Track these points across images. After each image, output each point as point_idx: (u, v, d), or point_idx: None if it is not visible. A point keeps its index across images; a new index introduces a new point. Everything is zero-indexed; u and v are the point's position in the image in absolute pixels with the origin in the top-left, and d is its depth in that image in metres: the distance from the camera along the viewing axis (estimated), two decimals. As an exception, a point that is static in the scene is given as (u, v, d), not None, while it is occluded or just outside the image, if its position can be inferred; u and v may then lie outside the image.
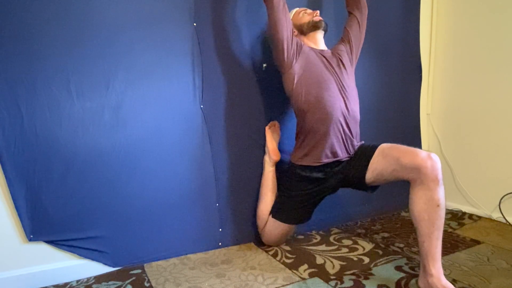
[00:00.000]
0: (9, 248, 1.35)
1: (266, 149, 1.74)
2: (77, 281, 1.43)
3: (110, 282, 1.39)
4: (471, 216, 2.05)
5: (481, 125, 2.04)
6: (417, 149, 1.30)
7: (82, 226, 1.43)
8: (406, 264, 1.48)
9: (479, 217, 2.02)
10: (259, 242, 1.74)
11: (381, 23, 2.07)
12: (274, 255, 1.60)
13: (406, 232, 1.84)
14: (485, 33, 1.99)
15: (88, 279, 1.44)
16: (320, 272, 1.42)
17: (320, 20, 1.61)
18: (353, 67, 1.68)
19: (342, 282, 1.34)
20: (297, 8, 1.69)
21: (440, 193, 1.24)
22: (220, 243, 1.70)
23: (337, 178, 1.56)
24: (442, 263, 1.25)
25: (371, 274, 1.40)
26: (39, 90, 1.33)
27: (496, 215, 1.97)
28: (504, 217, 1.91)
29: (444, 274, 1.24)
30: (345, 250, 1.64)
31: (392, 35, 2.13)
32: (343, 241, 1.75)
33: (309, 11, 1.65)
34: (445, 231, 1.76)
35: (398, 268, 1.44)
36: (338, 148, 1.52)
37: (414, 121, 2.28)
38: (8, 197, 1.32)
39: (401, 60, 2.18)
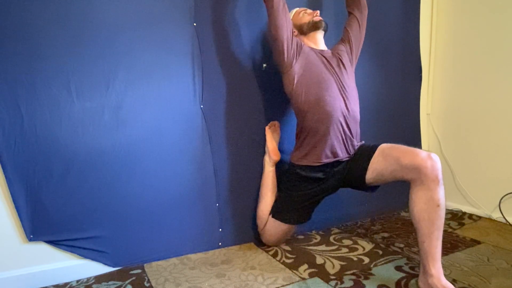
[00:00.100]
0: (9, 248, 1.35)
1: (266, 149, 1.74)
2: (77, 281, 1.43)
3: (110, 282, 1.39)
4: (471, 216, 2.05)
5: (481, 125, 2.04)
6: (417, 149, 1.30)
7: (82, 226, 1.43)
8: (406, 264, 1.48)
9: (479, 217, 2.02)
10: (259, 242, 1.74)
11: (381, 23, 2.07)
12: (274, 255, 1.60)
13: (406, 232, 1.84)
14: (485, 33, 1.99)
15: (88, 279, 1.44)
16: (320, 272, 1.42)
17: (320, 20, 1.61)
18: (353, 67, 1.68)
19: (342, 282, 1.34)
20: (297, 8, 1.69)
21: (440, 193, 1.24)
22: (220, 243, 1.70)
23: (337, 178, 1.56)
24: (442, 263, 1.25)
25: (371, 274, 1.40)
26: (39, 90, 1.33)
27: (496, 215, 1.97)
28: (504, 217, 1.92)
29: (444, 274, 1.24)
30: (345, 250, 1.64)
31: (392, 35, 2.13)
32: (343, 241, 1.75)
33: (309, 11, 1.65)
34: (445, 231, 1.76)
35: (398, 268, 1.44)
36: (338, 148, 1.52)
37: (414, 121, 2.28)
38: (8, 197, 1.32)
39: (401, 60, 2.18)
